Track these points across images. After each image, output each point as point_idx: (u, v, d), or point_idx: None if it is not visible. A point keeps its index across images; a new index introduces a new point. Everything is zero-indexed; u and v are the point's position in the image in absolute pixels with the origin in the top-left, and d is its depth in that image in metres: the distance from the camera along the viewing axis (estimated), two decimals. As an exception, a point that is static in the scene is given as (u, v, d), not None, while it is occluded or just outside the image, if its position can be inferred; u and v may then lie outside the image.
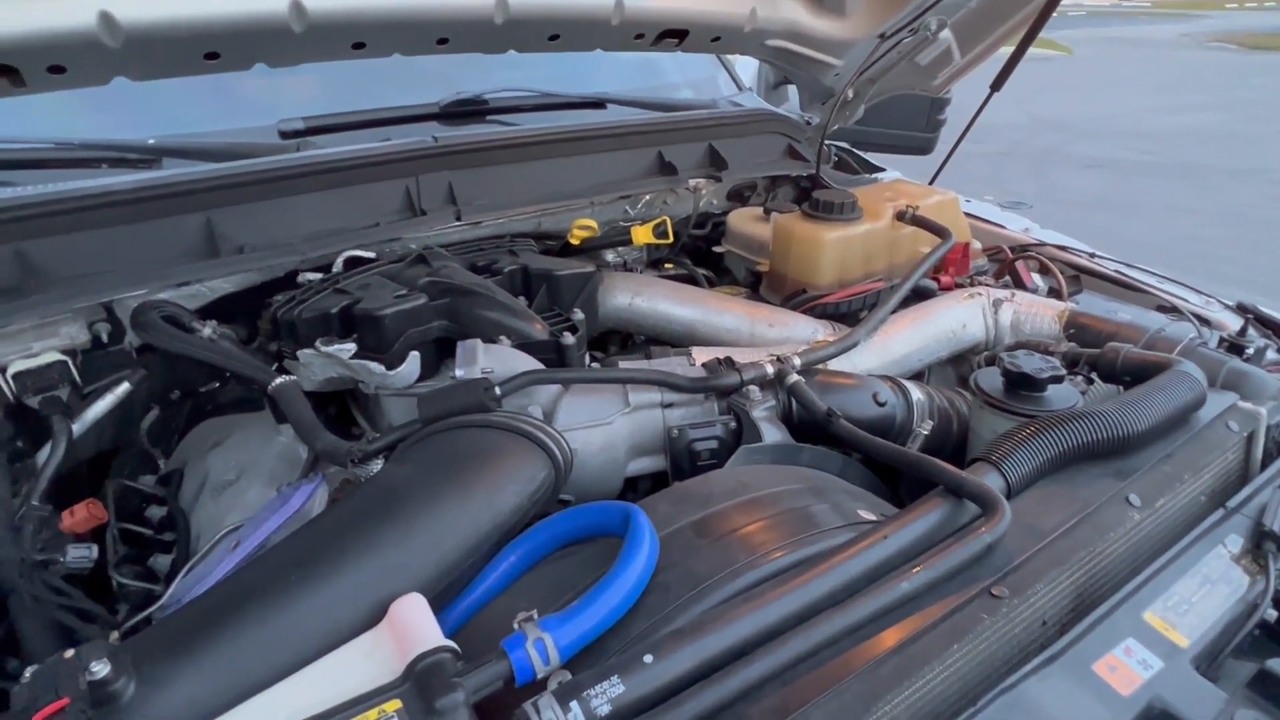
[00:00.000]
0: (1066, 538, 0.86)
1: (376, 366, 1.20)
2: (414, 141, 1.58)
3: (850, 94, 2.22)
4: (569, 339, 1.21)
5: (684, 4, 1.72)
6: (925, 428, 1.17)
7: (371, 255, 1.41)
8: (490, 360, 1.12)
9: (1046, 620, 0.81)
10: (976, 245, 1.87)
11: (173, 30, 1.22)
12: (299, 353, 1.24)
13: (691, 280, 1.67)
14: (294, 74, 2.13)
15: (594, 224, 1.54)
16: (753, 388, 1.10)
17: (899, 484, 1.16)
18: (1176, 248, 6.48)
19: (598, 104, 2.14)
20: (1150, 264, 1.80)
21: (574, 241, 1.52)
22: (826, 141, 2.45)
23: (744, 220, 1.86)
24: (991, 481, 0.92)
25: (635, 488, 1.18)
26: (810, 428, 1.13)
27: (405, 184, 1.53)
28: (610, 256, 1.95)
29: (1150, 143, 10.26)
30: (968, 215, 2.06)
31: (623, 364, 1.22)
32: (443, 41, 1.51)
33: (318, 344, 1.20)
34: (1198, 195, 8.07)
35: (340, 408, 1.42)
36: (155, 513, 1.30)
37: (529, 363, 1.15)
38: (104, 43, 1.13)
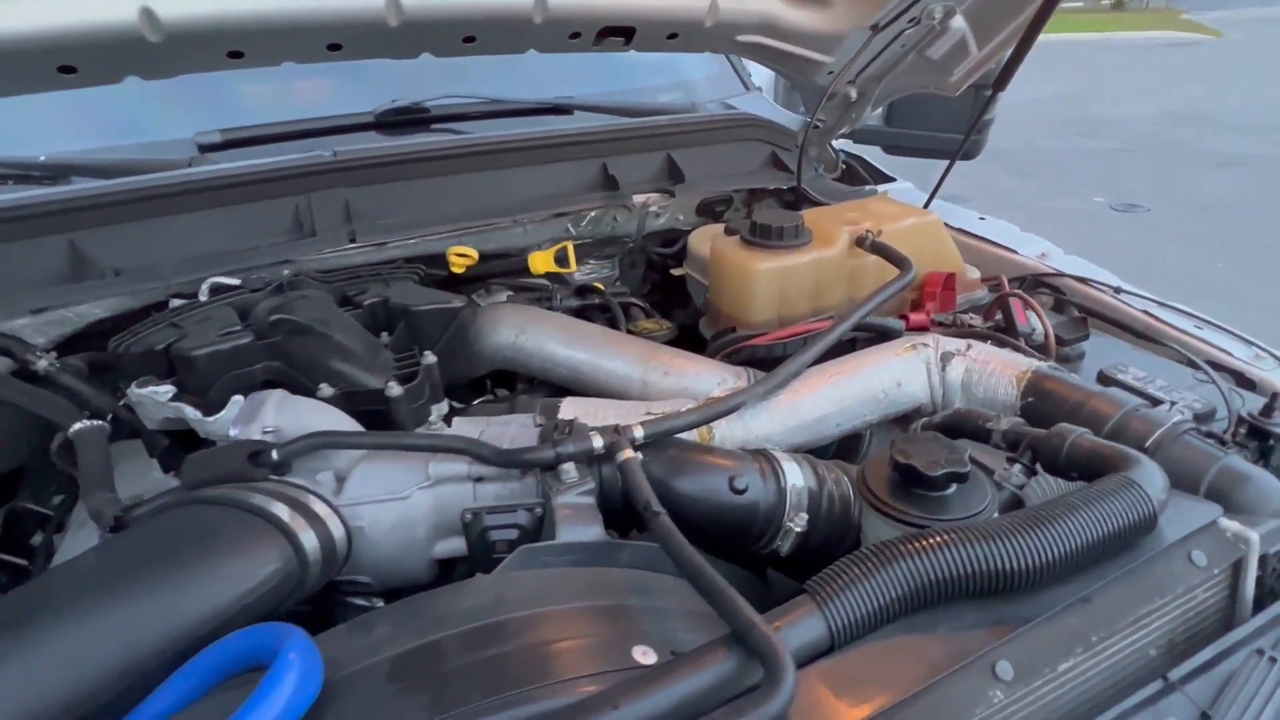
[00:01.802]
0: None
1: (192, 411, 1.08)
2: (309, 156, 1.46)
3: (854, 94, 1.95)
4: (395, 390, 1.05)
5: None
6: (798, 523, 0.94)
7: (235, 283, 1.30)
8: (281, 417, 0.98)
9: None
10: (974, 274, 1.58)
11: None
12: (129, 391, 1.14)
13: (608, 311, 1.46)
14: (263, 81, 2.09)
15: (473, 251, 1.36)
16: (568, 466, 0.90)
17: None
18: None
19: (562, 109, 1.97)
20: (1264, 284, 1.43)
21: (455, 270, 1.36)
22: (835, 147, 2.19)
23: (704, 240, 1.64)
24: (808, 628, 0.69)
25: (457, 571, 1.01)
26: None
27: (295, 202, 1.41)
28: (578, 274, 1.78)
29: (1303, 138, 9.05)
30: (973, 237, 1.75)
31: (454, 424, 1.05)
32: (335, 47, 1.38)
33: (134, 385, 1.10)
34: (1354, 200, 7.01)
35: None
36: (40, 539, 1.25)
37: (333, 420, 1.00)
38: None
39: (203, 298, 1.30)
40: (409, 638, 0.71)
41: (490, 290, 1.58)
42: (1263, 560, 0.82)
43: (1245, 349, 1.33)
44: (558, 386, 1.31)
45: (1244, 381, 1.27)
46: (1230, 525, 0.82)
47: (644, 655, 0.72)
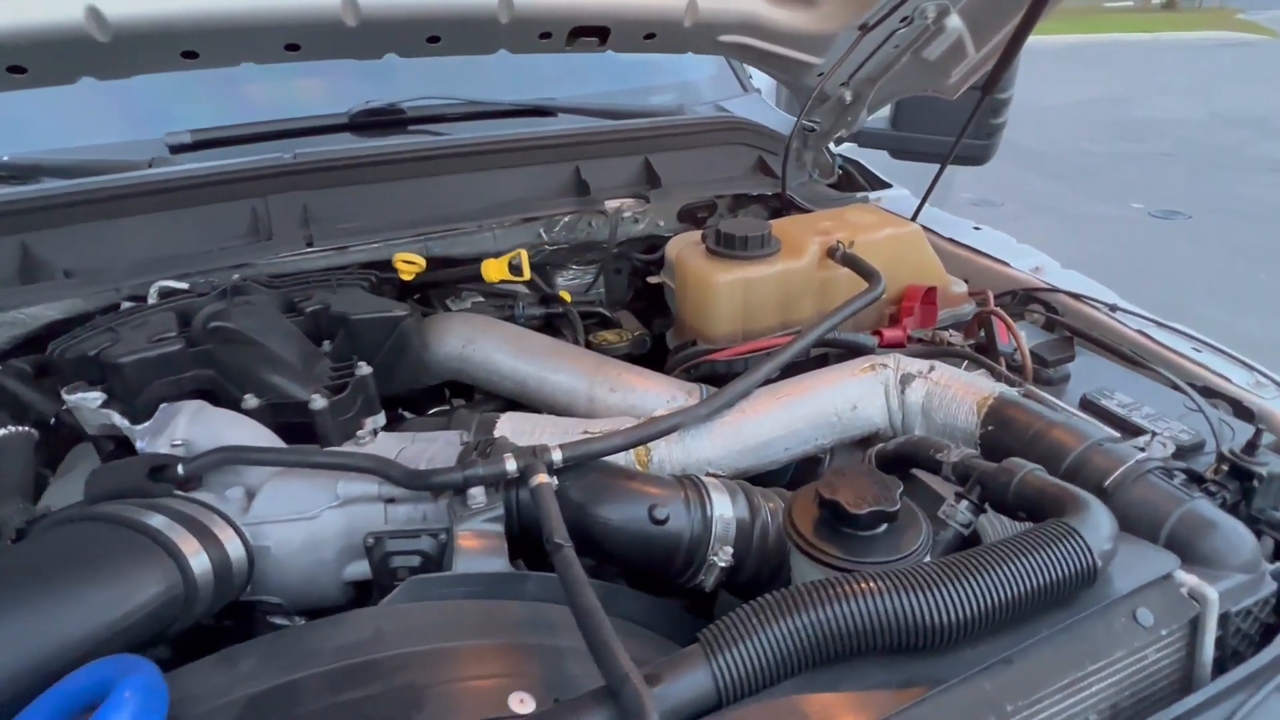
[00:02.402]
0: None
1: (120, 419, 1.06)
2: (268, 158, 1.43)
3: (848, 96, 1.87)
4: (318, 403, 1.01)
5: (594, -2, 1.46)
6: (723, 557, 0.88)
7: (184, 287, 1.27)
8: (193, 429, 0.95)
9: None
10: (960, 288, 1.49)
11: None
12: (64, 396, 1.12)
13: (566, 322, 1.41)
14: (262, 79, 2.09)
15: (420, 259, 1.32)
16: (475, 491, 0.85)
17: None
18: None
19: (544, 111, 1.92)
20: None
21: (405, 278, 1.32)
22: (832, 151, 2.11)
23: (678, 248, 1.58)
24: (693, 682, 0.64)
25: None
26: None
27: (252, 205, 1.39)
28: (560, 280, 1.74)
29: (1361, 144, 8.64)
30: (965, 248, 1.67)
31: (379, 440, 1.01)
32: (293, 48, 1.35)
33: (63, 391, 1.08)
34: None
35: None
36: None
37: (250, 433, 0.97)
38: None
39: (151, 301, 1.29)
40: (271, 675, 0.67)
41: (460, 297, 1.54)
42: (1224, 619, 0.74)
43: (1246, 374, 1.23)
44: (509, 400, 1.26)
45: (1241, 410, 1.17)
46: (1187, 579, 0.74)
47: (521, 703, 0.67)
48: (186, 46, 1.28)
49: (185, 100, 1.77)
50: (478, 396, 1.38)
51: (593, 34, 1.54)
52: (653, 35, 1.59)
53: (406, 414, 1.30)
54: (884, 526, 0.79)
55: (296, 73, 2.08)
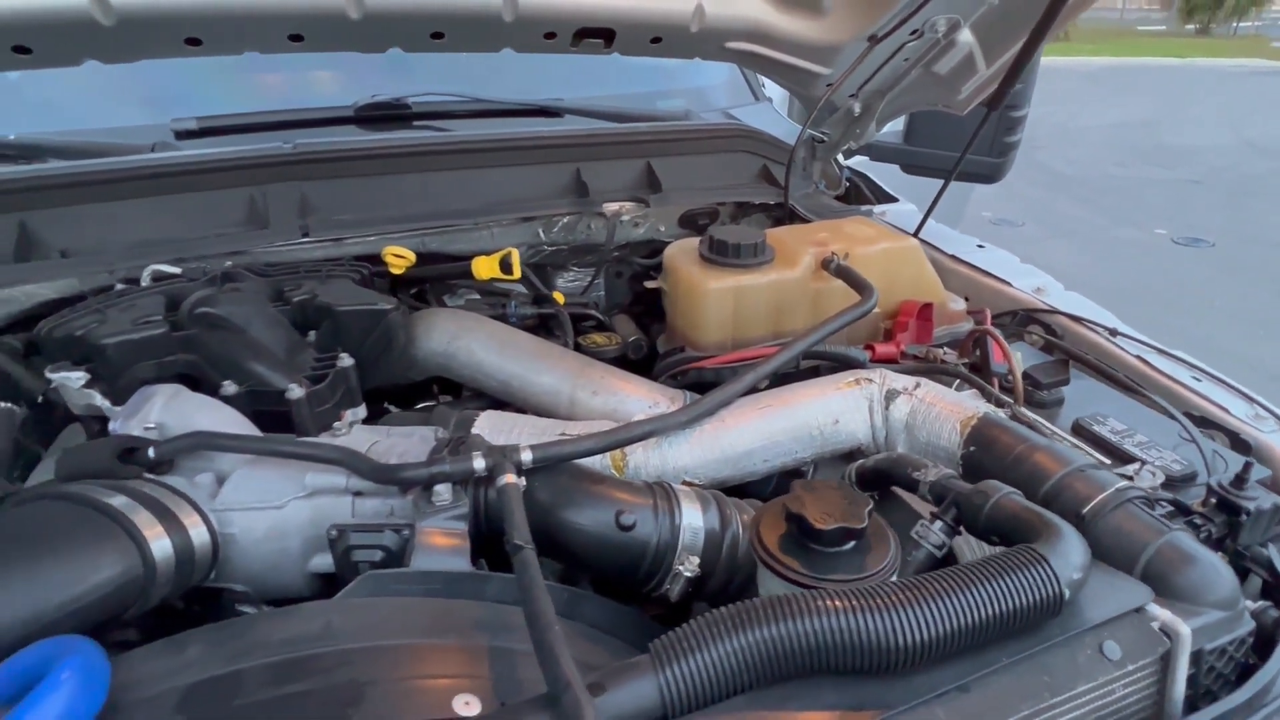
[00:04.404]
0: None
1: (101, 400, 1.06)
2: (269, 147, 1.44)
3: (857, 108, 1.86)
4: (295, 392, 1.01)
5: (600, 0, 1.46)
6: (689, 567, 0.86)
7: (176, 271, 1.28)
8: (167, 413, 0.95)
9: None
10: (958, 305, 1.47)
11: None
12: (48, 375, 1.13)
13: (558, 323, 1.40)
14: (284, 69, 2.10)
15: (409, 252, 1.32)
16: (441, 488, 0.84)
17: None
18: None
19: (550, 112, 1.92)
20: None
21: (394, 270, 1.31)
22: (841, 163, 2.09)
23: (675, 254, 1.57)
24: (637, 693, 0.62)
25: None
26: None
27: (250, 193, 1.40)
28: (560, 281, 1.73)
29: (1395, 176, 8.48)
30: (967, 265, 1.64)
31: (354, 432, 1.00)
32: (296, 38, 1.36)
33: (47, 370, 1.08)
34: None
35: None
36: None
37: (224, 419, 0.96)
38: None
39: (144, 284, 1.29)
40: (215, 663, 0.67)
41: (457, 294, 1.54)
42: (1197, 656, 0.72)
43: (1246, 406, 1.20)
44: (494, 398, 1.26)
45: (1238, 442, 1.14)
46: (1160, 614, 0.72)
47: (466, 706, 0.66)
48: (190, 33, 1.29)
49: (193, 88, 1.79)
50: (466, 394, 1.37)
51: (598, 36, 1.53)
52: (659, 39, 1.59)
53: (392, 408, 1.30)
54: (850, 544, 0.77)
55: (306, 64, 2.10)
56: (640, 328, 1.60)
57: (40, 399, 1.19)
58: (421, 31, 1.41)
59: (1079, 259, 5.89)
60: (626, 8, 1.48)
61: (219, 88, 1.92)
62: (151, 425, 0.93)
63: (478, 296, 1.52)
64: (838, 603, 0.64)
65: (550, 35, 1.50)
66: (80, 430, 1.25)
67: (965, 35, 1.62)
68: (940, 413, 1.02)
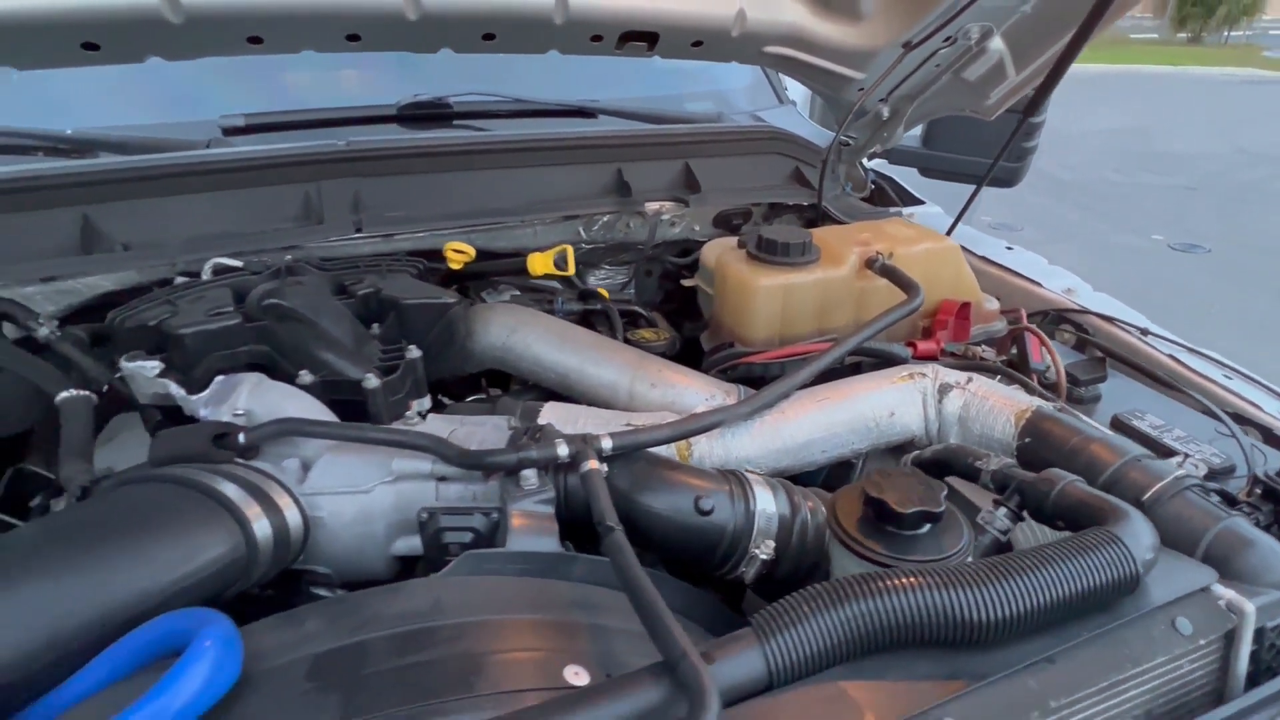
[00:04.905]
0: None
1: (176, 388, 1.09)
2: (323, 144, 1.47)
3: (885, 112, 1.90)
4: (372, 382, 1.04)
5: (647, 3, 1.49)
6: (765, 550, 0.90)
7: (238, 264, 1.31)
8: (254, 400, 0.98)
9: None
10: (993, 305, 1.51)
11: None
12: (121, 364, 1.15)
13: (603, 318, 1.44)
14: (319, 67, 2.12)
15: (469, 248, 1.35)
16: (529, 473, 0.88)
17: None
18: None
19: (586, 113, 1.96)
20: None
21: (453, 266, 1.35)
22: (866, 166, 2.14)
23: (714, 253, 1.60)
24: (745, 663, 0.66)
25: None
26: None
27: (305, 189, 1.43)
28: (592, 279, 1.77)
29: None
30: (998, 267, 1.69)
31: (429, 421, 1.03)
32: (354, 38, 1.39)
33: (122, 359, 1.11)
34: None
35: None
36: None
37: (306, 407, 1.00)
38: None
39: (205, 277, 1.32)
40: (337, 636, 0.70)
41: (498, 289, 1.57)
42: (1259, 634, 0.76)
43: (1277, 403, 1.25)
44: (548, 390, 1.29)
45: (1271, 438, 1.18)
46: (1225, 593, 0.76)
47: (576, 676, 0.70)
48: (253, 32, 1.32)
49: (233, 85, 1.81)
50: (515, 386, 1.40)
51: (642, 39, 1.57)
52: (700, 43, 1.62)
53: (446, 400, 1.33)
54: (927, 527, 0.81)
55: (343, 63, 2.13)
56: (671, 325, 1.63)
57: (104, 388, 1.22)
58: (474, 33, 1.45)
59: (1079, 264, 5.94)
60: (672, 11, 1.52)
61: (253, 86, 1.94)
62: (240, 412, 0.96)
63: (518, 293, 1.56)
64: (931, 579, 0.68)
65: (597, 38, 1.53)
66: (133, 420, 1.28)
67: (997, 42, 1.66)
68: (994, 406, 1.06)
